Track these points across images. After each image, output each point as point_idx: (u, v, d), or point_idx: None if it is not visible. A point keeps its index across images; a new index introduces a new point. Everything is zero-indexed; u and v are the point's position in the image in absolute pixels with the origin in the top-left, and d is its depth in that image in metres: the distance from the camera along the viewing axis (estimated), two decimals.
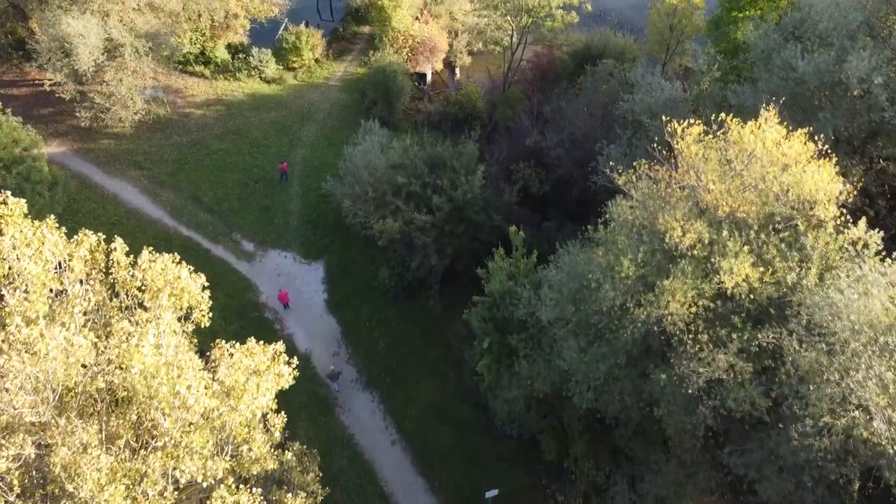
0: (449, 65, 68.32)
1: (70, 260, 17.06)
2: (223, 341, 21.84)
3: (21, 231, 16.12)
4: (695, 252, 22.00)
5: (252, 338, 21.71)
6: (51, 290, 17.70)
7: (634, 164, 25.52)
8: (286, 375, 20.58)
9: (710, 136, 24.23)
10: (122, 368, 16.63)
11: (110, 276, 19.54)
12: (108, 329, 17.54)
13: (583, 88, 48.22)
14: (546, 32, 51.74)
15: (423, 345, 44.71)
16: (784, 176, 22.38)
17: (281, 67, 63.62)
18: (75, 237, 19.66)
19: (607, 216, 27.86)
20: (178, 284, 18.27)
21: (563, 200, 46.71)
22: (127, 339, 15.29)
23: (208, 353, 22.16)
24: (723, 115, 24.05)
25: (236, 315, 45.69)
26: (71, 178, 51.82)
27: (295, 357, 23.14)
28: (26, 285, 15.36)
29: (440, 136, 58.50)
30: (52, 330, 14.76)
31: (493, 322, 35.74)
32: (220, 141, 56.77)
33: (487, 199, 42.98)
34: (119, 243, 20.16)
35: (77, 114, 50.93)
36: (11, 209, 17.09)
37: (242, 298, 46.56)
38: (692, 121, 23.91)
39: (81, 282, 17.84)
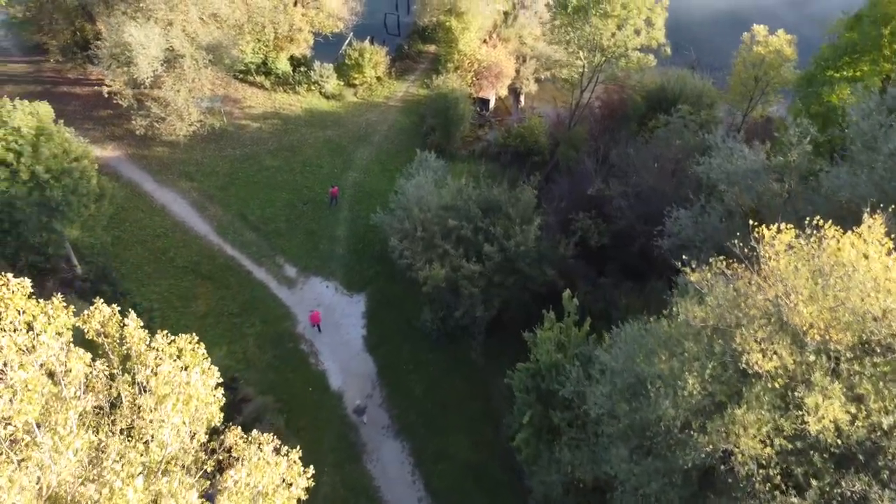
0: (514, 91, 65.85)
1: (67, 368, 15.29)
2: (237, 431, 19.74)
3: (9, 337, 14.46)
4: (776, 383, 19.15)
5: (266, 442, 19.42)
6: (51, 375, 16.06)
7: (711, 259, 22.69)
8: (299, 487, 18.41)
9: (802, 239, 21.24)
10: None
11: (114, 384, 17.71)
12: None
13: (654, 137, 45.15)
14: (618, 73, 48.82)
15: (461, 395, 42.42)
16: (889, 300, 19.34)
17: (341, 83, 62.20)
18: (86, 311, 18.02)
19: (673, 306, 25.14)
20: (185, 391, 16.40)
21: (623, 254, 43.85)
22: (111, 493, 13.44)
23: (221, 437, 20.24)
24: (818, 218, 21.05)
25: (271, 344, 44.30)
26: (122, 185, 51.44)
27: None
28: (14, 391, 13.74)
29: (498, 168, 56.41)
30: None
31: (537, 393, 33.23)
32: (272, 157, 55.58)
33: (542, 252, 40.44)
34: (133, 319, 18.41)
35: (133, 121, 50.32)
36: (13, 291, 15.50)
37: (279, 327, 45.11)
38: (783, 226, 20.97)
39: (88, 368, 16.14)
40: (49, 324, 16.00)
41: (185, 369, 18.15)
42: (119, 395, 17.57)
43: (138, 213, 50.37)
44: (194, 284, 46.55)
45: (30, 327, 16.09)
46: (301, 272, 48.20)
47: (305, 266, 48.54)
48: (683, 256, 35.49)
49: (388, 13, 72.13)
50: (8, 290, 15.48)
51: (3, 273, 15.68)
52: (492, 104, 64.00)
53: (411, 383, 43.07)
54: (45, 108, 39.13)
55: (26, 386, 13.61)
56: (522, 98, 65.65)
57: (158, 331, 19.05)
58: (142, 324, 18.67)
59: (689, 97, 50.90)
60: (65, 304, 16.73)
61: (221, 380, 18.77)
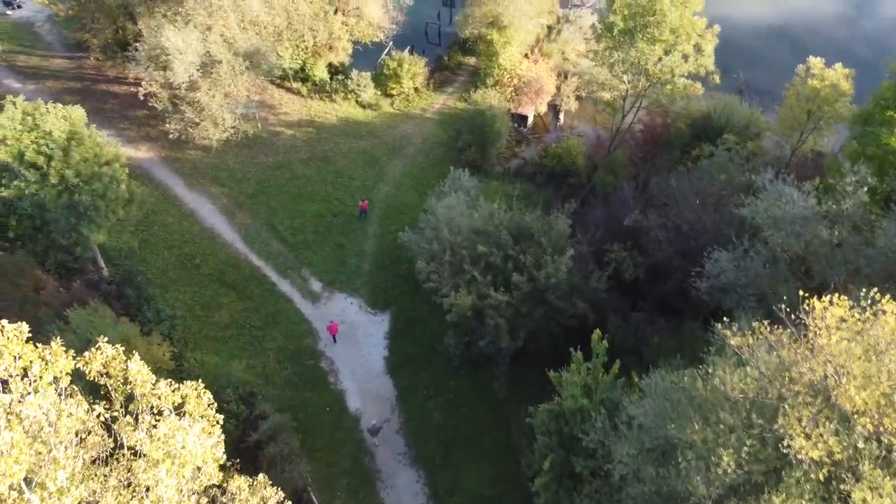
0: (553, 108, 64.33)
1: (58, 419, 14.47)
2: (240, 482, 18.80)
3: None
4: (821, 473, 17.57)
5: (270, 497, 18.46)
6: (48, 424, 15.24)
7: (754, 324, 21.09)
8: None
9: (856, 311, 19.55)
10: None
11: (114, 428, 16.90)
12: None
13: (697, 168, 43.32)
14: (663, 99, 47.02)
15: (481, 426, 41.19)
16: None
17: (378, 93, 61.35)
18: (87, 353, 17.21)
19: (709, 366, 23.59)
20: (181, 455, 15.44)
21: (658, 289, 42.09)
22: None
23: (225, 484, 19.31)
24: (875, 291, 19.35)
25: (291, 360, 43.61)
26: (153, 188, 51.31)
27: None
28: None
29: (533, 188, 54.99)
30: None
31: (559, 437, 31.81)
32: (305, 166, 54.93)
33: (573, 284, 38.97)
34: (136, 361, 17.55)
35: (167, 124, 50.04)
36: (9, 338, 14.71)
37: (300, 343, 44.38)
38: (836, 298, 19.30)
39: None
40: (46, 370, 15.17)
41: (188, 415, 17.23)
42: (116, 441, 16.72)
43: (167, 217, 50.09)
44: (218, 294, 46.07)
45: (26, 372, 15.31)
46: (326, 287, 47.41)
47: (331, 281, 47.74)
48: (723, 306, 34.11)
49: (430, 22, 71.11)
50: (3, 335, 14.72)
51: None
52: (530, 121, 62.59)
53: (430, 410, 41.97)
54: (77, 113, 38.86)
55: (11, 448, 12.81)
56: (562, 116, 64.08)
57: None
58: (147, 368, 17.75)
59: (735, 126, 48.95)
60: (63, 347, 15.91)
61: (222, 437, 17.76)
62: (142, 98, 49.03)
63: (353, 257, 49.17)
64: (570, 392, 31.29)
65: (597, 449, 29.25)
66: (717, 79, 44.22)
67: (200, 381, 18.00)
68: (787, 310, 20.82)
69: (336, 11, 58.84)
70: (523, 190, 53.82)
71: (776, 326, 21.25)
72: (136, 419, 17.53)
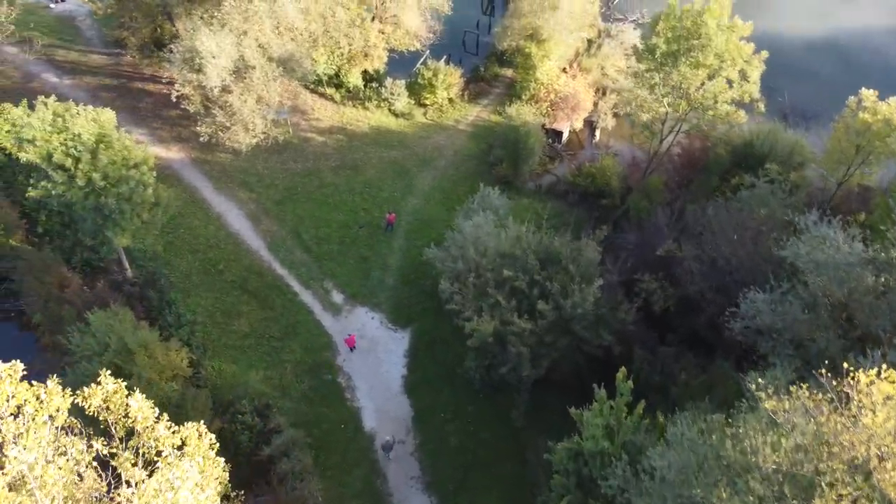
0: (590, 124, 62.89)
1: (43, 472, 13.78)
2: None
3: None
4: None
5: None
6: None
7: (791, 389, 19.74)
8: None
9: None
10: None
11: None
12: None
13: (737, 199, 41.68)
14: (704, 126, 45.34)
15: (497, 453, 40.15)
16: None
17: (412, 102, 60.52)
18: (87, 388, 16.56)
19: (740, 424, 22.26)
20: None
21: (689, 323, 40.56)
22: None
23: None
24: None
25: (309, 373, 43.03)
26: (181, 189, 51.16)
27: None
28: None
29: (565, 207, 53.75)
30: None
31: (578, 477, 30.64)
32: (334, 174, 54.34)
33: (600, 315, 37.68)
34: (137, 399, 16.85)
35: (199, 126, 49.79)
36: (1, 377, 14.11)
37: (319, 356, 43.77)
38: (884, 370, 17.87)
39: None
40: (40, 410, 14.54)
41: (187, 457, 16.49)
42: (111, 482, 16.06)
43: (194, 220, 49.93)
44: (240, 301, 45.67)
45: (20, 411, 14.70)
46: (348, 300, 46.75)
47: (353, 294, 47.06)
48: (757, 348, 32.56)
49: (469, 31, 70.13)
50: None
51: None
52: (565, 137, 61.26)
53: (447, 433, 41.03)
54: (107, 115, 38.67)
55: None
56: (598, 133, 62.63)
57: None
58: (150, 406, 17.01)
59: (778, 155, 47.10)
60: (60, 384, 15.27)
61: (218, 489, 16.99)
62: (174, 99, 48.88)
63: (377, 270, 48.44)
64: (591, 432, 30.09)
65: (616, 496, 28.04)
66: (761, 107, 42.52)
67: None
68: (828, 374, 19.45)
69: (373, 19, 58.20)
70: (554, 209, 52.54)
71: (815, 392, 19.85)
72: (138, 453, 16.88)
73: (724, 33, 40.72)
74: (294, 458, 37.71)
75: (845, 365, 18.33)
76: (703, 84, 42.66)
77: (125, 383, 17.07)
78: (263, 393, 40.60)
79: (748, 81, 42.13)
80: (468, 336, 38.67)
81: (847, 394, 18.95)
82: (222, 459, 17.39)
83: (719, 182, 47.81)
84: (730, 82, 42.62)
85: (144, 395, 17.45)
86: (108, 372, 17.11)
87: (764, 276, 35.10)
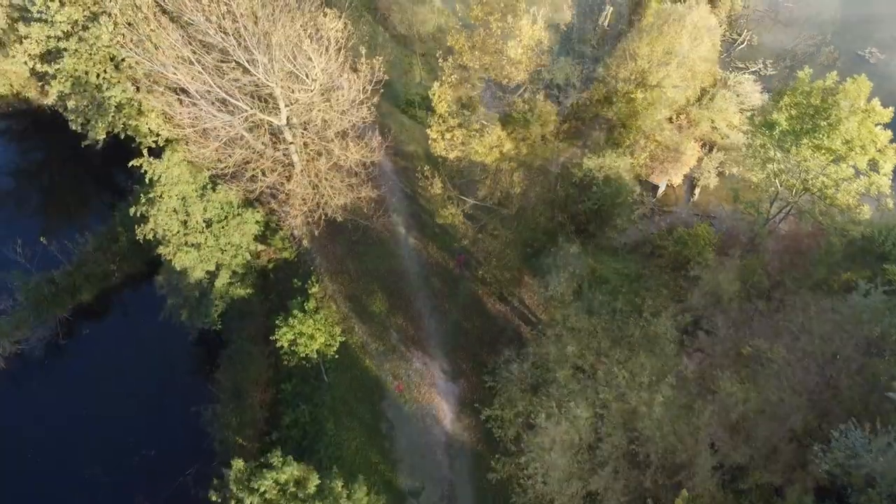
0: (689, 180, 58.34)
1: None
2: None
3: None
4: None
5: None
6: None
7: None
8: None
9: None
10: None
11: None
12: None
13: (845, 304, 36.73)
14: (818, 213, 40.37)
15: None
16: None
17: (503, 135, 57.37)
18: None
19: None
20: None
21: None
22: None
23: None
24: None
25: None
26: None
27: None
28: None
29: (649, 272, 49.68)
30: None
31: None
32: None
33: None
34: None
35: None
36: None
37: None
38: None
39: None
40: None
41: None
42: None
43: None
44: None
45: None
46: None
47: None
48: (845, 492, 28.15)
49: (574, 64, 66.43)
50: None
51: None
52: (661, 191, 57.02)
53: None
54: None
55: None
56: (697, 191, 57.91)
57: None
58: None
59: None
60: None
61: None
62: None
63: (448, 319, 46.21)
64: None
65: None
66: (889, 204, 37.43)
67: None
68: None
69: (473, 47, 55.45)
70: (635, 272, 48.71)
71: None
72: None
73: (856, 116, 35.91)
74: None
75: None
76: (824, 169, 37.89)
77: None
78: None
79: (878, 173, 37.09)
80: None
81: None
82: None
83: (827, 273, 42.55)
84: (857, 171, 37.69)
85: None
86: None
87: (864, 403, 30.55)
